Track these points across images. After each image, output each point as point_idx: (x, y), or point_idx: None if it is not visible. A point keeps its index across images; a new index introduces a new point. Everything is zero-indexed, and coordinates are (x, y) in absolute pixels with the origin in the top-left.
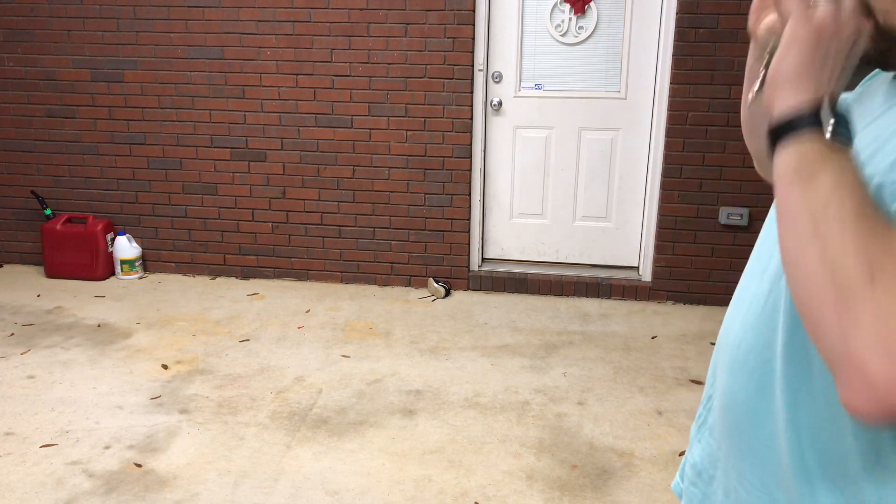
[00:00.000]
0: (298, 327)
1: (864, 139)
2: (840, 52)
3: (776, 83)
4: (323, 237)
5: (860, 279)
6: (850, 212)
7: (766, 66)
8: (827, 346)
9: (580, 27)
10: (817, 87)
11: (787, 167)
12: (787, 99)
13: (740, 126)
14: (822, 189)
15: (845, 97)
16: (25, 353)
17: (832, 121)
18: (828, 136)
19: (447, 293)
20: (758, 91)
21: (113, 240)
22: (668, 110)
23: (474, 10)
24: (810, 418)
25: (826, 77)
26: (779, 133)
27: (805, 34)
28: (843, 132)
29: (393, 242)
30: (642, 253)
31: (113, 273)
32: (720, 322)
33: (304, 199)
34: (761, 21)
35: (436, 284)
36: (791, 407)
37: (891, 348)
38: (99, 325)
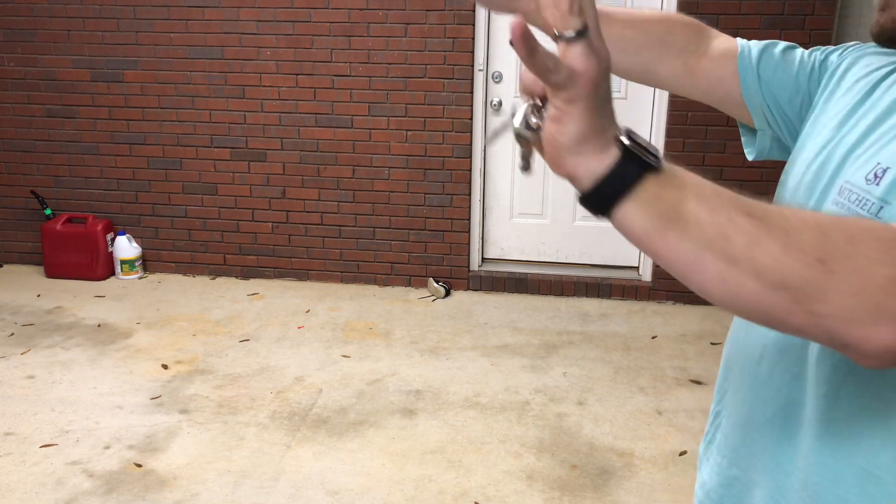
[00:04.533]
0: (298, 327)
1: (884, 125)
2: (609, 86)
3: (563, 153)
4: (323, 237)
5: (811, 269)
6: (744, 219)
7: (526, 140)
8: (821, 339)
9: None
10: (608, 133)
11: (644, 224)
12: (588, 164)
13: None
14: (700, 218)
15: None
16: (25, 353)
17: (643, 150)
18: (655, 166)
19: (447, 293)
20: (525, 169)
21: (113, 240)
22: (668, 110)
23: (474, 10)
24: (850, 431)
25: (610, 118)
26: (602, 200)
27: (577, 98)
28: (652, 153)
29: (393, 242)
30: (642, 253)
31: (113, 273)
32: (720, 322)
33: (304, 199)
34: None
35: (436, 284)
36: (826, 422)
37: (883, 311)
38: (99, 325)
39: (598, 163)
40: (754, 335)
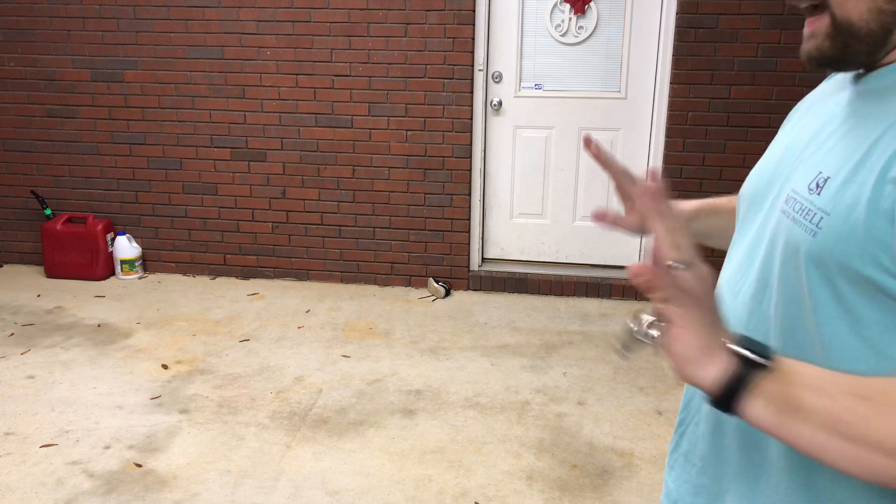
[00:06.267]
0: (298, 327)
1: (841, 151)
2: (715, 299)
3: (686, 364)
4: (323, 237)
5: None
6: (855, 401)
7: (643, 344)
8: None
9: (580, 27)
10: (721, 343)
11: (768, 418)
12: (709, 372)
13: (740, 126)
14: (817, 407)
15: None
16: (25, 353)
17: (754, 353)
18: (767, 366)
19: (447, 293)
20: (623, 358)
21: (113, 240)
22: (668, 110)
23: (474, 10)
24: None
25: (723, 330)
26: (728, 401)
27: (689, 315)
28: (766, 352)
29: (393, 242)
30: (642, 253)
31: (113, 273)
32: None
33: (304, 199)
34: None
35: (436, 284)
36: None
37: None
38: (99, 325)
39: (717, 369)
40: None
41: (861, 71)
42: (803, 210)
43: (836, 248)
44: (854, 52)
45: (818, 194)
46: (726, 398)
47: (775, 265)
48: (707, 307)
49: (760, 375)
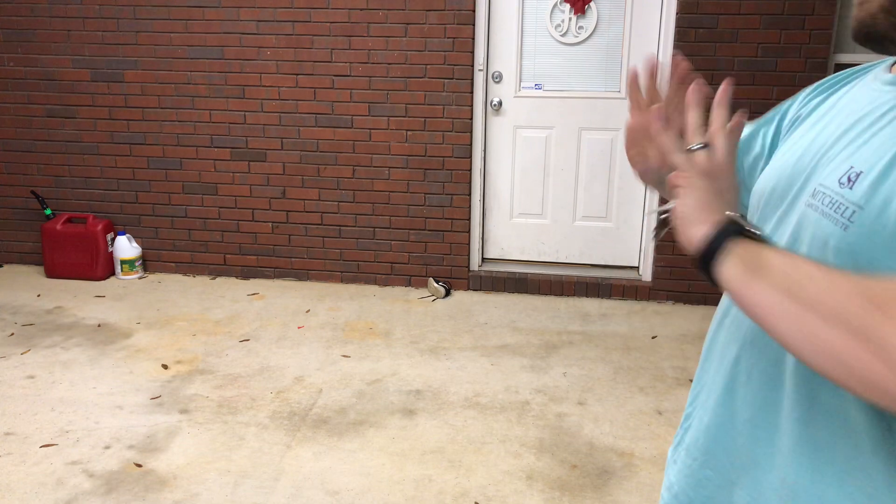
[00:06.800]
0: (298, 327)
1: (871, 149)
2: (730, 183)
3: (686, 222)
4: (323, 237)
5: (868, 312)
6: (814, 270)
7: (662, 214)
8: (870, 381)
9: (580, 27)
10: (721, 211)
11: (735, 275)
12: (700, 229)
13: None
14: (779, 268)
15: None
16: (25, 353)
17: (747, 223)
18: (754, 233)
19: (447, 293)
20: (657, 231)
21: (113, 240)
22: None
23: (474, 10)
24: (829, 431)
25: (726, 204)
26: (708, 258)
27: (694, 181)
28: (757, 230)
29: (393, 242)
30: (642, 253)
31: (113, 273)
32: None
33: (304, 199)
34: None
35: (436, 284)
36: (805, 423)
37: None
38: (99, 325)
39: (707, 228)
40: (730, 337)
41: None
42: (833, 203)
43: (868, 242)
44: None
45: (850, 188)
46: (706, 255)
47: None
48: (716, 180)
49: (741, 238)
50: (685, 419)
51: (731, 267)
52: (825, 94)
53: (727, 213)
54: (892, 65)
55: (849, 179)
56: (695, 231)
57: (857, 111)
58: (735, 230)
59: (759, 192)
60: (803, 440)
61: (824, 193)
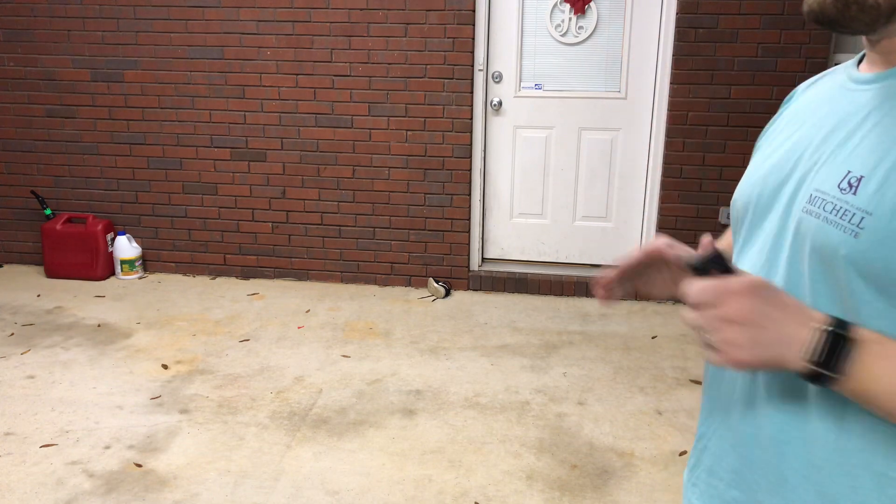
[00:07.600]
0: (298, 327)
1: (864, 150)
2: (772, 295)
3: (757, 355)
4: (323, 237)
5: None
6: None
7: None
8: None
9: (580, 27)
10: (805, 321)
11: (880, 385)
12: (793, 351)
13: (740, 126)
14: None
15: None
16: (25, 353)
17: (839, 336)
18: (854, 339)
19: (447, 293)
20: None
21: (113, 240)
22: (668, 110)
23: (474, 10)
24: (864, 438)
25: (797, 312)
26: (828, 363)
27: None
28: (846, 330)
29: (393, 242)
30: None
31: (113, 273)
32: None
33: (304, 199)
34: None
35: (436, 284)
36: (839, 432)
37: None
38: (99, 325)
39: (808, 332)
40: None
41: (859, 60)
42: (838, 210)
43: (882, 248)
44: (854, 20)
45: (853, 194)
46: (827, 362)
47: (804, 268)
48: (757, 297)
49: (852, 343)
50: (699, 439)
51: (873, 367)
52: (794, 98)
53: (816, 325)
54: (859, 62)
55: (850, 185)
56: (787, 358)
57: (836, 112)
58: (839, 324)
59: (742, 201)
60: (839, 450)
61: (824, 199)
